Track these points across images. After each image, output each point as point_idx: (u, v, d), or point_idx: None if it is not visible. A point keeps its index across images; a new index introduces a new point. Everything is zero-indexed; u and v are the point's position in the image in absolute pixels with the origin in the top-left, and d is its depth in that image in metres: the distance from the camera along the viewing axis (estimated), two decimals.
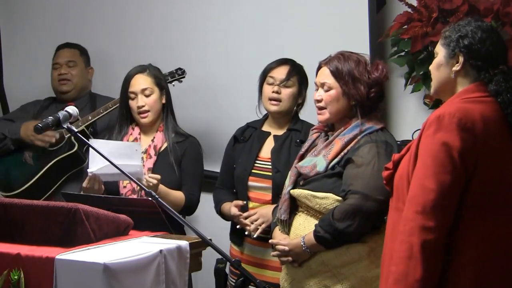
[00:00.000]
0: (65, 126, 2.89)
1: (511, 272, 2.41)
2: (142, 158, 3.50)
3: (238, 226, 3.40)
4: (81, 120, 3.83)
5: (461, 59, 2.49)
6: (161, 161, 3.53)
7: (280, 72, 3.45)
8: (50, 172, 3.90)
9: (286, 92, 3.43)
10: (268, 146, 3.47)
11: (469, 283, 2.36)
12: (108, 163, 3.06)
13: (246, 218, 3.36)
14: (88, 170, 3.34)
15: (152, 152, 3.53)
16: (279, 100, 3.43)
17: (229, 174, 3.57)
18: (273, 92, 3.43)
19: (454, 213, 2.36)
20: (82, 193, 3.43)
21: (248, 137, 3.55)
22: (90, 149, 3.33)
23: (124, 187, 3.50)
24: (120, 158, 3.17)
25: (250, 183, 3.45)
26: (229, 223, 3.58)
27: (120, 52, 4.35)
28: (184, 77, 3.85)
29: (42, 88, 4.41)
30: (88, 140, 3.27)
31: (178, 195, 3.48)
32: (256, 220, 3.33)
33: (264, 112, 3.56)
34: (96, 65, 4.24)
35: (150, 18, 4.36)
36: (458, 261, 2.37)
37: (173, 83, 3.80)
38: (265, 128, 3.54)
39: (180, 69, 3.84)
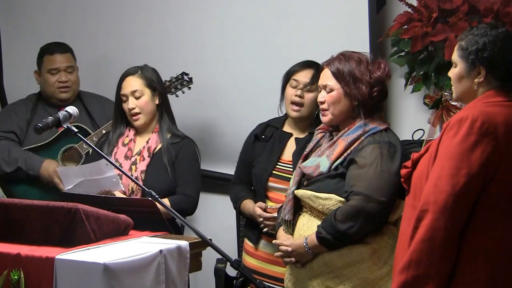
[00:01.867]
0: (65, 126, 2.90)
1: None
2: (136, 160, 3.49)
3: (265, 230, 3.36)
4: (94, 134, 3.82)
5: (482, 71, 2.50)
6: (154, 162, 3.50)
7: (305, 76, 3.40)
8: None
9: (309, 97, 3.39)
10: (290, 148, 3.44)
11: (482, 280, 2.38)
12: (82, 179, 3.06)
13: (269, 219, 3.33)
14: (65, 189, 3.35)
15: (145, 154, 3.51)
16: (301, 105, 3.39)
17: (247, 170, 3.54)
18: (296, 95, 3.39)
19: (466, 214, 2.38)
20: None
21: (269, 136, 3.51)
22: (59, 171, 3.44)
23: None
24: (95, 174, 3.17)
25: (270, 183, 3.43)
26: (229, 222, 3.58)
27: (119, 52, 4.35)
28: (191, 83, 3.80)
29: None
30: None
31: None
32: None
33: (284, 110, 3.51)
34: (94, 66, 4.24)
35: (148, 18, 4.36)
36: (471, 257, 2.38)
37: (182, 90, 3.79)
38: (286, 128, 3.50)
39: (185, 73, 3.80)
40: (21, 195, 3.86)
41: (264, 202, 3.42)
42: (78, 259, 2.43)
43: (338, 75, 2.98)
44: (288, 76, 3.45)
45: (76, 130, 2.91)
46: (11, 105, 4.16)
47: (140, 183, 3.38)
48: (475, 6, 3.39)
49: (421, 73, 3.57)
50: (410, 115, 3.74)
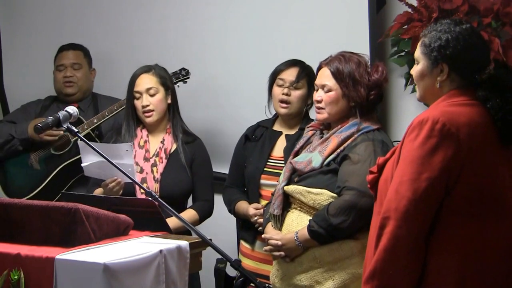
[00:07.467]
0: (65, 126, 2.90)
1: (495, 275, 2.35)
2: (155, 161, 3.52)
3: (260, 228, 3.36)
4: (86, 123, 3.83)
5: (445, 68, 2.42)
6: (172, 162, 3.54)
7: (290, 74, 3.45)
8: (58, 177, 3.89)
9: (296, 94, 3.44)
10: (280, 145, 3.48)
11: (452, 284, 2.32)
12: (102, 159, 3.08)
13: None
14: (82, 164, 3.37)
15: (163, 155, 3.54)
16: (289, 102, 3.43)
17: (239, 172, 3.57)
18: (283, 94, 3.43)
19: (430, 220, 2.31)
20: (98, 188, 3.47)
21: (259, 136, 3.55)
22: (80, 145, 3.39)
23: (142, 193, 3.47)
24: (112, 157, 3.17)
25: (263, 181, 3.45)
26: (229, 222, 3.58)
27: (119, 52, 4.35)
28: (188, 77, 3.84)
29: (42, 88, 4.41)
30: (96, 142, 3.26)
31: (189, 217, 3.46)
32: None
33: (273, 111, 3.55)
34: (94, 65, 4.24)
35: (150, 18, 4.37)
36: (438, 263, 2.32)
37: (177, 84, 3.80)
38: (276, 127, 3.55)
39: (184, 69, 3.84)
40: (13, 174, 4.01)
41: (258, 201, 3.45)
42: (78, 259, 2.43)
43: (337, 76, 2.99)
44: (274, 76, 3.50)
45: (76, 130, 2.92)
46: (28, 102, 4.24)
47: (159, 185, 3.46)
48: (475, 6, 3.39)
49: None
50: (410, 115, 3.71)
